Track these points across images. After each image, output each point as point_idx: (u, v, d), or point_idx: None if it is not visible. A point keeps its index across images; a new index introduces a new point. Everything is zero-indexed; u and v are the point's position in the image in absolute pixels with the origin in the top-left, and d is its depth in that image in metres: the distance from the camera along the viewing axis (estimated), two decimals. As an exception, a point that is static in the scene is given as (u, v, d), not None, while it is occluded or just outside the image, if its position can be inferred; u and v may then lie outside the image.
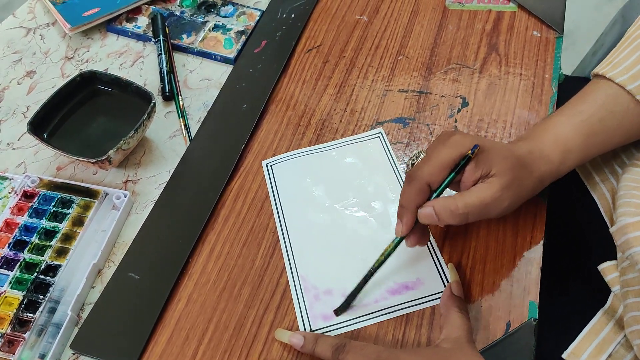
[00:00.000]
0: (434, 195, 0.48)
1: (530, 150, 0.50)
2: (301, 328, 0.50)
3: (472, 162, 0.47)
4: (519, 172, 0.48)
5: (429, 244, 0.54)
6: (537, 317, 0.49)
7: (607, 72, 0.52)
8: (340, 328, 0.50)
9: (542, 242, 0.54)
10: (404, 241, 0.50)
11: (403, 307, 0.51)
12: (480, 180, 0.47)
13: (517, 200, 0.49)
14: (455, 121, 0.64)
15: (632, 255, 0.43)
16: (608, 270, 0.52)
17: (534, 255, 0.53)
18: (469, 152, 0.47)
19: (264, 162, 0.62)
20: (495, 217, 0.51)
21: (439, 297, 0.51)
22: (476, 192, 0.47)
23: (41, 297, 0.52)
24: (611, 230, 0.48)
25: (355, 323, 0.50)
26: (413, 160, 0.50)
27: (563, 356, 0.51)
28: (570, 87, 0.70)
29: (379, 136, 0.63)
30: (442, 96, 0.67)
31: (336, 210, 0.58)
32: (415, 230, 0.49)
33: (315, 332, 0.50)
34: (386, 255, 0.50)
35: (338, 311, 0.51)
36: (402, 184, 0.59)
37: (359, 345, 0.45)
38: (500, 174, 0.47)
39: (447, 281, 0.52)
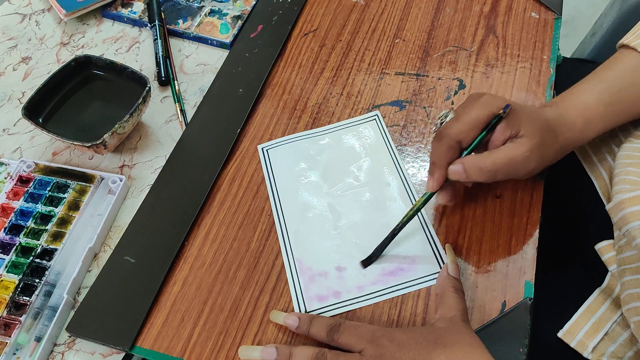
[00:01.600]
0: (465, 153, 0.49)
1: (555, 116, 0.51)
2: (296, 309, 0.50)
3: (503, 122, 0.48)
4: (546, 135, 0.48)
5: (424, 225, 0.54)
6: (532, 297, 0.49)
7: (632, 42, 0.52)
8: (335, 309, 0.50)
9: (538, 222, 0.53)
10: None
11: (398, 289, 0.51)
12: (509, 140, 0.48)
13: (543, 163, 0.49)
14: (452, 103, 0.64)
15: (629, 230, 0.43)
16: (605, 249, 0.52)
17: (531, 236, 0.53)
18: (501, 111, 0.47)
19: (259, 146, 0.62)
20: (522, 178, 0.51)
21: (434, 279, 0.51)
22: (505, 151, 0.47)
23: (37, 280, 0.52)
24: (607, 207, 0.47)
25: (351, 304, 0.50)
26: (442, 119, 0.50)
27: (559, 335, 0.51)
28: (568, 69, 0.70)
29: (375, 119, 0.63)
30: (439, 79, 0.66)
31: (332, 193, 0.58)
32: (447, 187, 0.50)
33: (310, 313, 0.50)
34: (415, 210, 0.51)
35: (364, 263, 0.52)
36: (398, 167, 0.59)
37: (354, 325, 0.45)
38: (529, 135, 0.47)
39: (443, 262, 0.52)
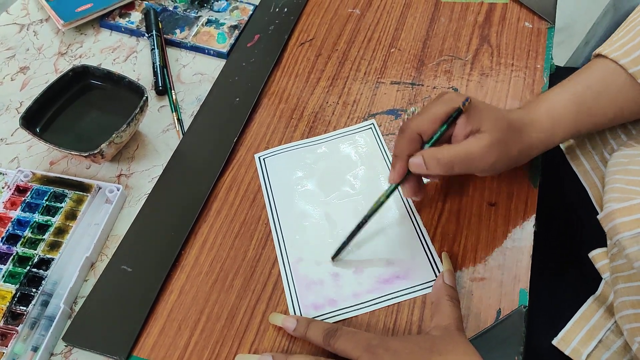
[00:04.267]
0: (426, 145, 0.50)
1: (522, 117, 0.52)
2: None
3: (464, 117, 0.49)
4: (508, 134, 0.49)
5: (419, 233, 0.54)
6: (527, 305, 0.49)
7: (604, 50, 0.54)
8: (331, 317, 0.50)
9: (533, 230, 0.54)
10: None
11: (394, 297, 0.51)
12: (470, 135, 0.49)
13: (504, 161, 0.50)
14: (447, 112, 0.64)
15: (619, 240, 0.43)
16: (598, 257, 0.52)
17: (525, 243, 0.53)
18: (460, 105, 0.48)
19: (256, 155, 0.62)
20: (481, 174, 0.53)
21: (430, 287, 0.51)
22: (464, 144, 0.49)
23: (34, 290, 0.52)
24: (599, 217, 0.48)
25: (347, 312, 0.50)
26: (408, 115, 0.53)
27: (553, 342, 0.51)
28: (562, 78, 0.70)
29: (371, 127, 0.63)
30: (434, 88, 0.67)
31: (328, 201, 0.58)
32: (410, 181, 0.51)
33: None
34: (379, 204, 0.52)
35: (333, 257, 0.53)
36: None
37: (350, 332, 0.45)
38: (490, 131, 0.48)
39: (438, 270, 0.52)
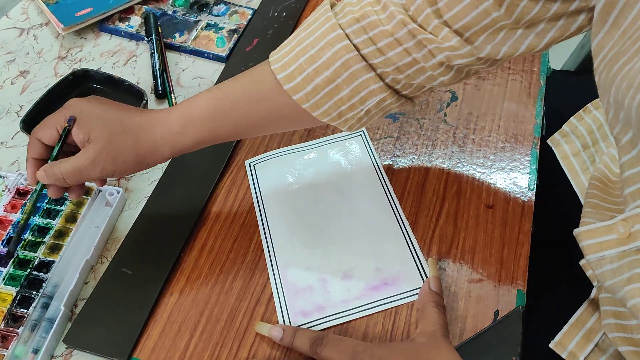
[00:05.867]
0: (50, 159, 0.52)
1: (147, 119, 0.51)
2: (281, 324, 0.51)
3: (75, 128, 0.50)
4: (120, 140, 0.49)
5: (407, 239, 0.55)
6: (524, 306, 0.50)
7: (273, 56, 0.51)
8: (320, 324, 0.50)
9: (530, 232, 0.54)
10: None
11: (381, 303, 0.51)
12: (84, 144, 0.50)
13: (120, 166, 0.50)
14: (445, 115, 0.65)
15: (588, 262, 0.43)
16: (588, 265, 0.52)
17: (523, 246, 0.54)
18: (67, 124, 0.50)
19: (246, 162, 0.63)
20: (98, 179, 0.53)
21: (417, 293, 0.51)
22: (72, 160, 0.50)
23: (34, 292, 0.53)
24: (574, 233, 0.47)
25: (335, 319, 0.50)
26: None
27: (550, 346, 0.51)
28: (558, 81, 0.71)
29: (360, 134, 0.64)
30: (432, 91, 0.68)
31: (317, 207, 0.58)
32: (51, 185, 0.52)
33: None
34: (29, 211, 0.53)
35: (11, 251, 0.54)
36: (383, 183, 0.59)
37: (336, 339, 0.45)
38: (95, 141, 0.49)
39: (426, 276, 0.52)
